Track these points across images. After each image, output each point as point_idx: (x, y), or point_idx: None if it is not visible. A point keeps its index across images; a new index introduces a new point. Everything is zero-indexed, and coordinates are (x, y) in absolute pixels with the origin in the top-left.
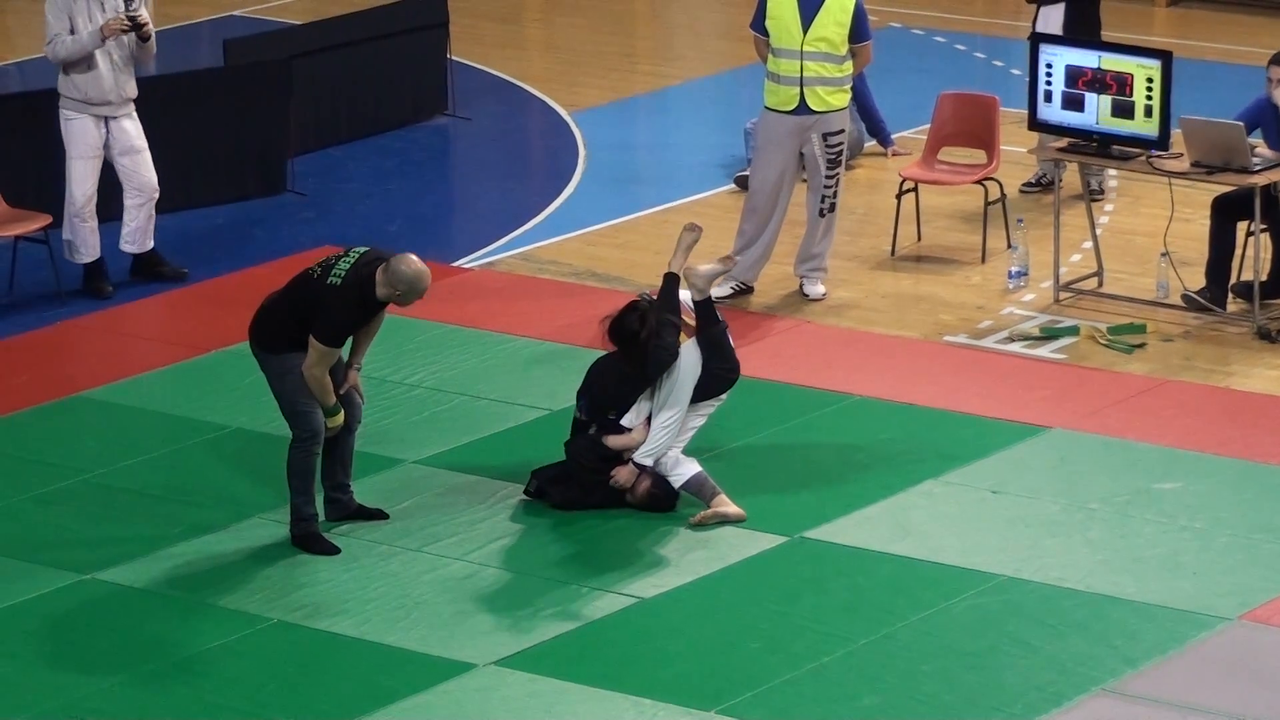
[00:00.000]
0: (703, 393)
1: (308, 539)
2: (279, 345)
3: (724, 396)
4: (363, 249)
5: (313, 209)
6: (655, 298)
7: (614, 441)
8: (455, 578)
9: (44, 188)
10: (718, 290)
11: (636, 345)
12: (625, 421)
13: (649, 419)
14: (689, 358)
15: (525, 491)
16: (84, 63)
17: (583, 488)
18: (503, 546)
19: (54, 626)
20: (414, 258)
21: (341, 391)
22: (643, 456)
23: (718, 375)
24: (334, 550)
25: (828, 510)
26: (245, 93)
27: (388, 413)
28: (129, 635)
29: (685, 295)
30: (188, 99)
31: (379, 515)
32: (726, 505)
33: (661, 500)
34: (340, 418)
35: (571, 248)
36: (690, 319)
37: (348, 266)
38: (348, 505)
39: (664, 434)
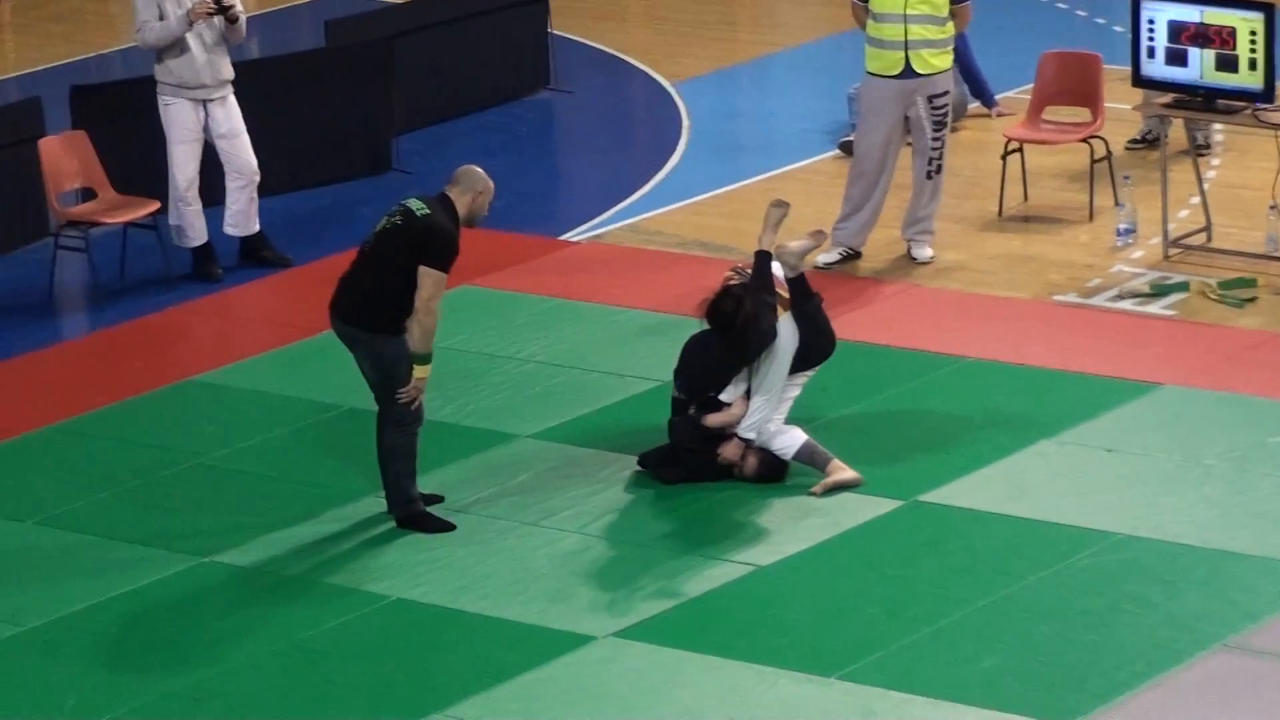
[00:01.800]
0: (801, 364)
1: (419, 518)
2: (391, 324)
3: (817, 368)
4: (405, 201)
5: (418, 187)
6: (749, 275)
7: (714, 420)
8: (571, 551)
9: (151, 174)
10: (826, 257)
11: (734, 329)
12: (724, 398)
13: (747, 393)
14: (785, 333)
15: (639, 463)
16: (176, 47)
17: (690, 468)
18: (617, 519)
19: (174, 610)
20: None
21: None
22: (746, 430)
23: (815, 346)
24: (449, 526)
25: (942, 473)
26: (348, 73)
27: (499, 388)
28: (248, 617)
29: (778, 270)
30: (290, 81)
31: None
32: (842, 471)
33: (770, 474)
34: (429, 368)
35: (678, 218)
36: (785, 292)
37: (419, 204)
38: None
39: (765, 408)
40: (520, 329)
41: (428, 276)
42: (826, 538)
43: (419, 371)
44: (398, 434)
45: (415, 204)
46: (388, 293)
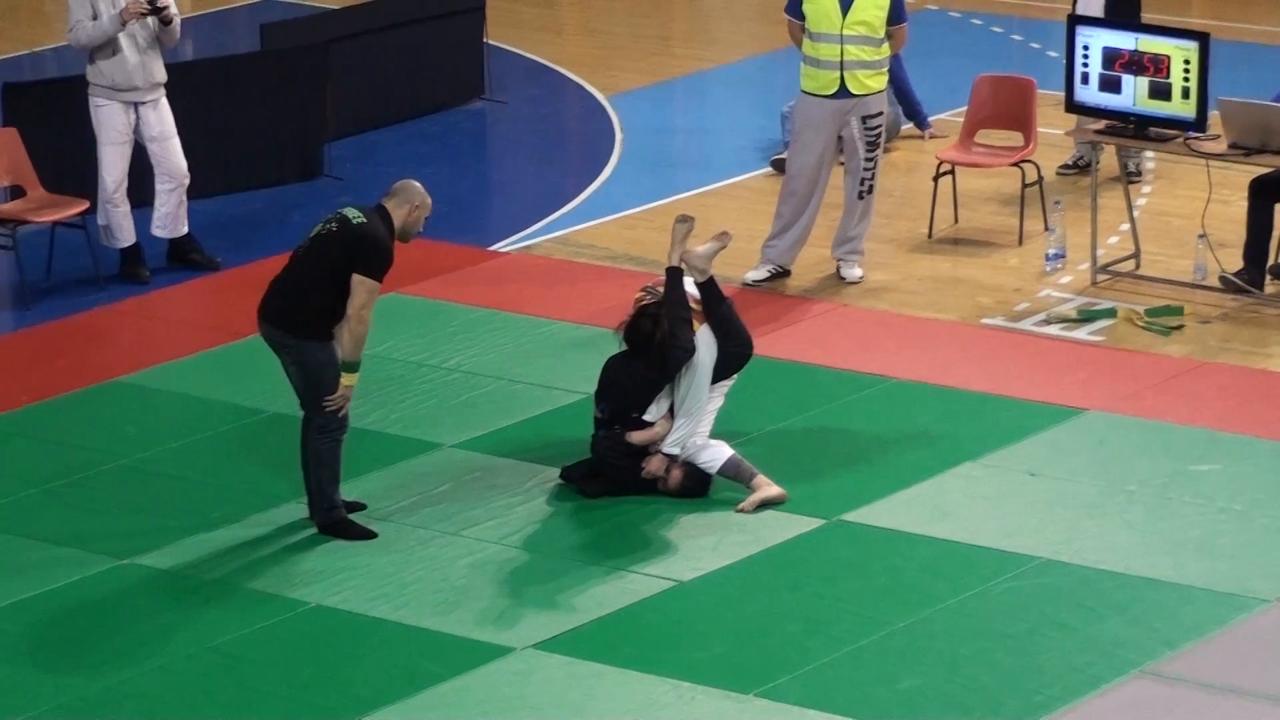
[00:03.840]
0: (720, 373)
1: (341, 525)
2: (320, 330)
3: (736, 376)
4: (341, 209)
5: (349, 193)
6: (660, 293)
7: (638, 437)
8: (492, 561)
9: (81, 173)
10: (755, 274)
11: (654, 348)
12: (648, 417)
13: (670, 411)
14: (704, 347)
15: (561, 476)
16: (109, 48)
17: (613, 482)
18: (540, 531)
19: (92, 611)
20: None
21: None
22: (671, 446)
23: (733, 354)
24: (370, 534)
25: (865, 493)
26: (282, 77)
27: (425, 397)
28: (167, 620)
29: (688, 282)
30: (225, 84)
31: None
32: (767, 487)
33: (694, 488)
34: (357, 376)
35: (609, 231)
36: (698, 305)
37: (355, 212)
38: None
39: (688, 424)
40: (448, 338)
41: (361, 285)
42: (748, 554)
43: (347, 379)
44: (322, 440)
45: (351, 212)
46: (318, 299)
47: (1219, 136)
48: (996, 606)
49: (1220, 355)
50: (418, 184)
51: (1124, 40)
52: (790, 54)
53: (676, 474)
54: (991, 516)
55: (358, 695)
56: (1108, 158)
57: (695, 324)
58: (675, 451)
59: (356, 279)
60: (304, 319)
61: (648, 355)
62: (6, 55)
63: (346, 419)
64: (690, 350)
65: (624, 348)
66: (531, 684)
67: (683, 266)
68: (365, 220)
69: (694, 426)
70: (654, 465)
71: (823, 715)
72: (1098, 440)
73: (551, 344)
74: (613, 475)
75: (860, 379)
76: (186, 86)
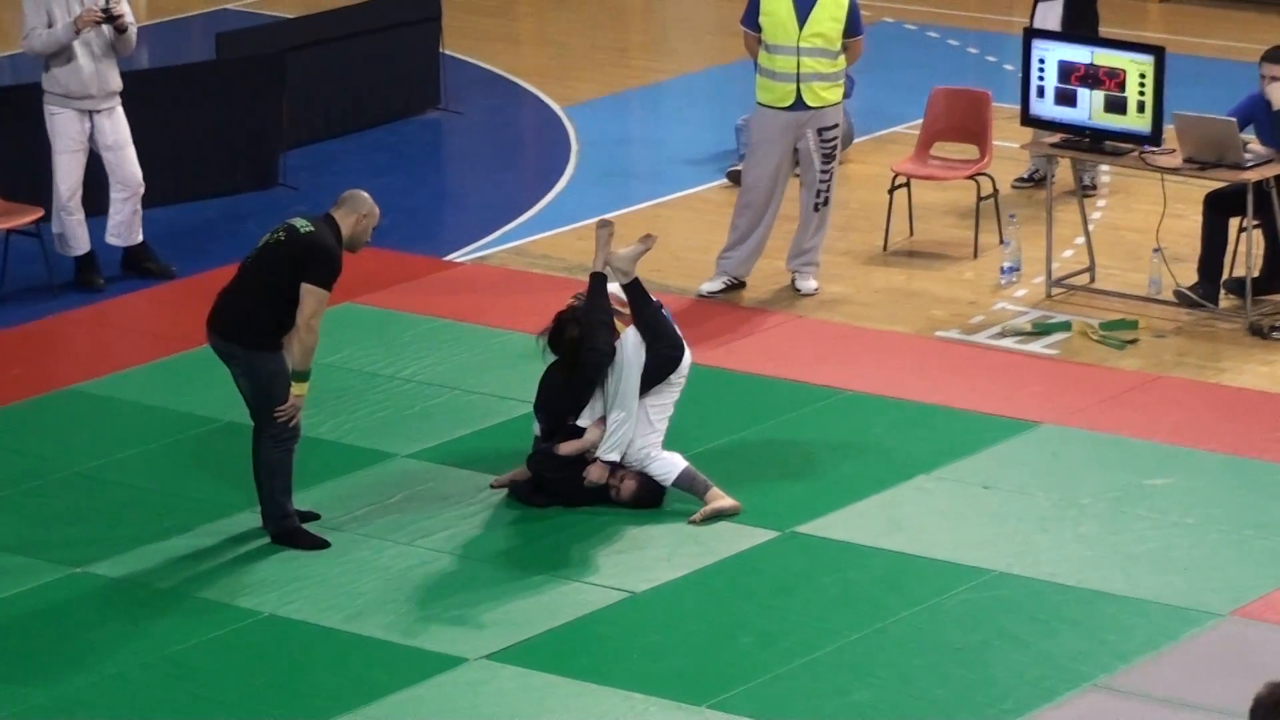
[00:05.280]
0: (652, 377)
1: (295, 534)
2: (269, 341)
3: (682, 380)
4: (290, 219)
5: (304, 203)
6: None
7: (566, 448)
8: (445, 572)
9: (36, 181)
10: (710, 285)
11: (571, 352)
12: (581, 422)
13: (603, 417)
14: (630, 348)
15: (509, 491)
16: (63, 56)
17: (557, 495)
18: (494, 540)
19: (44, 619)
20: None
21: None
22: (607, 453)
23: (663, 355)
24: (324, 544)
25: (819, 505)
26: (237, 86)
27: (379, 407)
28: (119, 629)
29: (616, 288)
30: (179, 92)
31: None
32: (721, 499)
33: (648, 499)
34: (308, 386)
35: (564, 242)
36: (625, 308)
37: (303, 222)
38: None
39: (622, 425)
40: (402, 348)
41: (310, 294)
42: (702, 566)
43: (297, 389)
44: (274, 450)
45: (299, 222)
46: (267, 309)
47: (1174, 151)
48: (950, 619)
49: (1175, 369)
50: (365, 193)
51: (1080, 54)
52: (745, 66)
53: (630, 484)
54: (945, 529)
55: (310, 705)
56: (1063, 171)
57: (621, 326)
58: (614, 457)
59: (305, 288)
60: (252, 330)
61: (572, 361)
62: None
63: (298, 428)
64: (607, 354)
65: (552, 356)
66: (484, 695)
67: (607, 271)
68: (313, 230)
69: (629, 430)
70: (595, 474)
71: None
72: (1051, 453)
73: (505, 354)
74: (554, 489)
75: (815, 391)
76: (142, 95)
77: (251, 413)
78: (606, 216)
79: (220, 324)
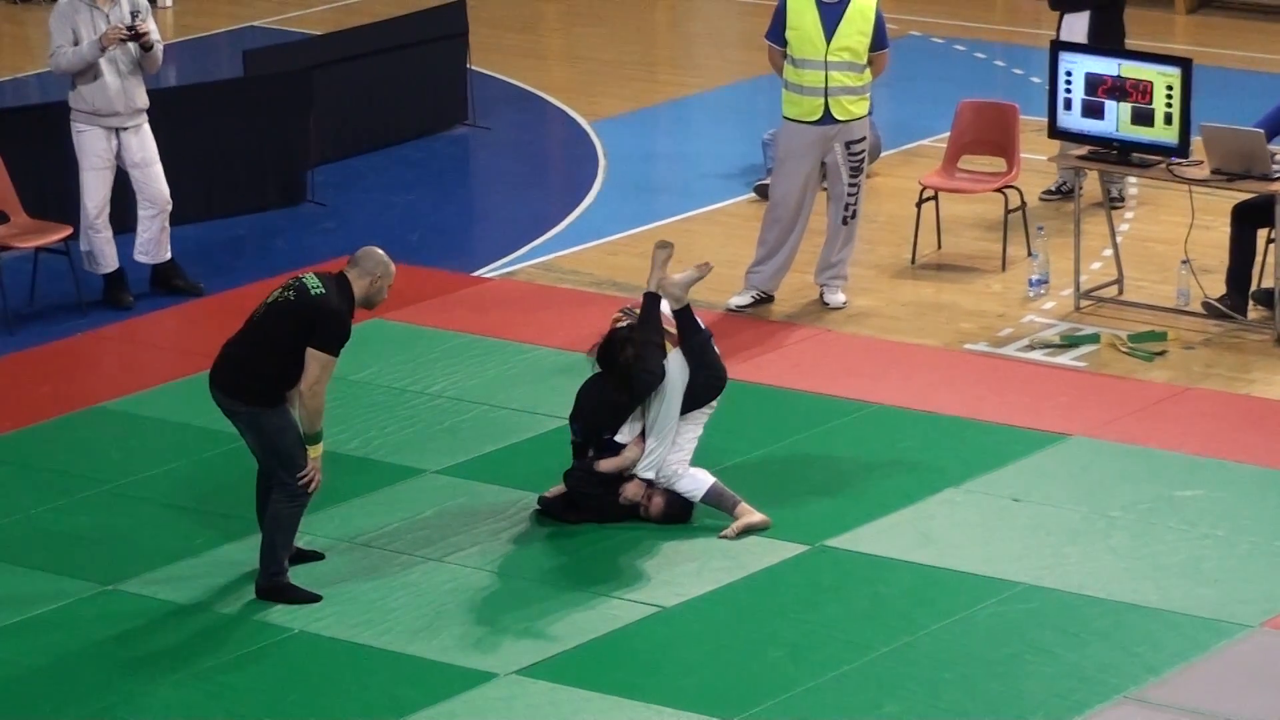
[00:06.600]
0: (691, 402)
1: (284, 590)
2: (272, 398)
3: (714, 404)
4: (302, 275)
5: (333, 219)
6: (638, 316)
7: (606, 465)
8: (476, 587)
9: (64, 199)
10: (739, 300)
11: (620, 370)
12: (619, 439)
13: (642, 434)
14: (675, 371)
15: (539, 504)
16: (90, 74)
17: (591, 511)
18: (523, 556)
19: (76, 637)
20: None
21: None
22: (645, 470)
23: (706, 383)
24: (315, 598)
25: (849, 518)
26: (265, 104)
27: (408, 423)
28: (151, 646)
29: (666, 308)
30: (207, 110)
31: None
32: (750, 514)
33: (677, 516)
34: (321, 446)
35: (592, 257)
36: (673, 327)
37: (315, 281)
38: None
39: (660, 446)
40: (431, 364)
41: (315, 360)
42: (732, 580)
43: (312, 452)
44: (286, 505)
45: (311, 281)
46: (271, 367)
47: (1201, 162)
48: (980, 632)
49: (1203, 381)
50: (380, 252)
51: (1107, 66)
52: (772, 80)
53: (659, 501)
54: (975, 542)
55: None
56: (1091, 183)
57: (669, 347)
58: (650, 475)
59: (311, 353)
60: (256, 387)
61: (615, 377)
62: None
63: (316, 488)
64: (659, 376)
65: (598, 370)
66: (515, 710)
67: (659, 292)
68: (324, 291)
69: (667, 449)
70: (631, 491)
71: None
72: (1081, 466)
73: (534, 370)
74: (589, 505)
75: (843, 404)
76: (169, 112)
77: (261, 467)
78: (666, 239)
79: (223, 380)
